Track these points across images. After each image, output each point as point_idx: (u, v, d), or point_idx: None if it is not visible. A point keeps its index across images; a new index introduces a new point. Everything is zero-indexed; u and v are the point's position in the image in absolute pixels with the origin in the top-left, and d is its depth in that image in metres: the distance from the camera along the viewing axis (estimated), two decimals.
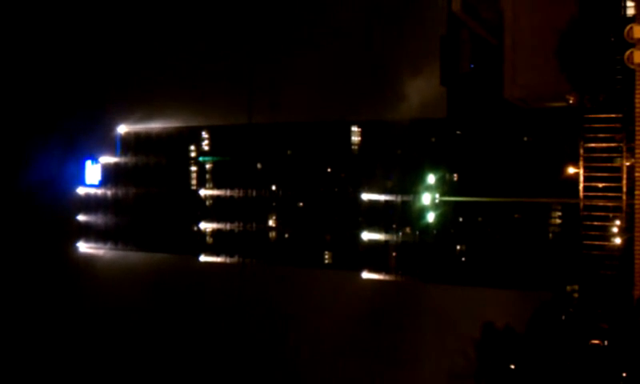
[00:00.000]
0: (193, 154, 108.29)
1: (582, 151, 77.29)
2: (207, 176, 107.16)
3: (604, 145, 76.24)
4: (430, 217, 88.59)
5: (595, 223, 77.23)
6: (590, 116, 76.46)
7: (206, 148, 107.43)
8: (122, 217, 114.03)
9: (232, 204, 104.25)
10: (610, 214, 76.44)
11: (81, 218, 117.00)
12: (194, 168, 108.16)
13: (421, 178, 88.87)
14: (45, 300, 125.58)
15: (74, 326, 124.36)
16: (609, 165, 76.13)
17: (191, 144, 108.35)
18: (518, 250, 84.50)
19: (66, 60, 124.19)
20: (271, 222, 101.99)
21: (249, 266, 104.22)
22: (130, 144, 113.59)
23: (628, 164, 74.12)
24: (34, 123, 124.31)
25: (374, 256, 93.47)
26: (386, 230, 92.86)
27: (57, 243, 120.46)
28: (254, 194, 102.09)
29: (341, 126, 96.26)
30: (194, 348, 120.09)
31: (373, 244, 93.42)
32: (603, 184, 76.47)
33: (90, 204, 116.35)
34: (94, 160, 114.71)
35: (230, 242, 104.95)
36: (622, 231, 74.70)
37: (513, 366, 70.22)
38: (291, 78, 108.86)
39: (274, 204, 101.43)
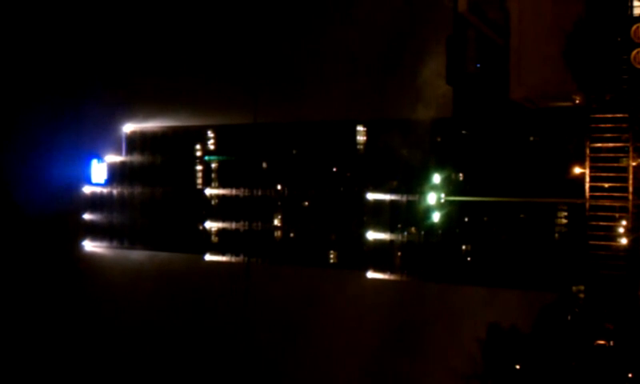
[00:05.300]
0: (198, 153, 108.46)
1: (588, 151, 76.98)
2: (213, 175, 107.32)
3: (610, 145, 75.96)
4: (436, 216, 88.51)
5: (601, 223, 76.85)
6: (597, 116, 76.12)
7: (212, 147, 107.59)
8: (128, 216, 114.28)
9: (237, 203, 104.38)
10: (616, 215, 76.09)
11: (87, 216, 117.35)
12: (199, 167, 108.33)
13: (426, 178, 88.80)
14: (50, 298, 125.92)
15: (79, 324, 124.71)
16: (615, 165, 75.82)
17: (197, 143, 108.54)
18: (523, 250, 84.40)
19: (72, 59, 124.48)
20: (276, 222, 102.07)
21: (254, 265, 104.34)
22: (135, 143, 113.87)
23: (634, 164, 73.94)
24: (41, 122, 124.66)
25: (380, 255, 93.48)
26: (392, 230, 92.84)
27: (63, 242, 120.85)
28: (260, 193, 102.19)
29: (346, 126, 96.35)
30: (198, 347, 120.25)
31: (378, 243, 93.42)
32: (609, 184, 76.19)
33: (95, 203, 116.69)
34: (100, 159, 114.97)
35: (236, 241, 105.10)
36: (628, 231, 74.49)
37: (518, 367, 70.20)
38: (297, 77, 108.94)
39: (279, 203, 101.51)
